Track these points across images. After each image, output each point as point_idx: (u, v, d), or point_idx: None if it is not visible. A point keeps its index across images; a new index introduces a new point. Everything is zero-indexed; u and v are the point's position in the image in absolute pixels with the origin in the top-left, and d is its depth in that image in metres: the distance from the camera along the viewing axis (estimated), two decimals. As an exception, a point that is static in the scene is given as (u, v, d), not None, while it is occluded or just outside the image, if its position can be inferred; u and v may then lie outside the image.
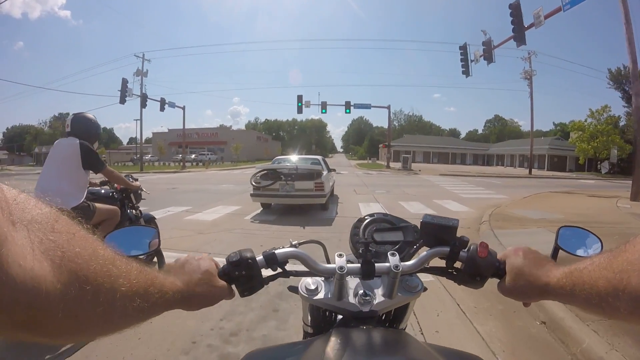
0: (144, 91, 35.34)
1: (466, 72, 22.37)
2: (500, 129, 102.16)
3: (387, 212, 1.17)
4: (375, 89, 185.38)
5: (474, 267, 0.85)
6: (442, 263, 0.91)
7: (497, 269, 0.84)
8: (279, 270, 0.91)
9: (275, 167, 9.40)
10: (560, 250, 0.91)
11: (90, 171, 3.47)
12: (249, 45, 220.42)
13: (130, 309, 0.50)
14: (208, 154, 61.21)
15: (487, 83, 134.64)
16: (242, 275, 0.82)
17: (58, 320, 0.38)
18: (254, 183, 8.93)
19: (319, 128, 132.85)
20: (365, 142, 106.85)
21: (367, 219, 1.07)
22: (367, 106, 37.04)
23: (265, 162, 53.08)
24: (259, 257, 0.87)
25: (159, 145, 62.47)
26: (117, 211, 3.72)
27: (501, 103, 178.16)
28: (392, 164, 39.24)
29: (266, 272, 0.88)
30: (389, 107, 39.14)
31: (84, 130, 3.55)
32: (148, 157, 64.37)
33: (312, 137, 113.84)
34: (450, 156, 70.24)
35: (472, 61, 22.12)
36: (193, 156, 60.24)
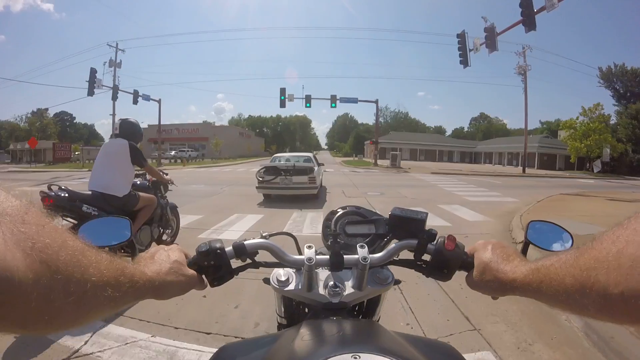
0: (117, 83, 33.02)
1: (464, 62, 20.56)
2: (486, 127, 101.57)
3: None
4: (361, 84, 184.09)
5: (441, 260, 0.86)
6: (411, 256, 0.91)
7: (465, 262, 0.85)
8: (249, 261, 0.92)
9: (276, 164, 11.27)
10: (530, 245, 0.91)
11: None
12: (232, 35, 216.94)
13: (101, 298, 0.51)
14: (188, 151, 59.19)
15: (475, 78, 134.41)
16: (211, 265, 0.84)
17: (30, 309, 0.39)
18: (259, 178, 10.70)
19: (304, 124, 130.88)
20: (350, 139, 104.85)
21: (339, 211, 1.08)
22: (353, 100, 34.99)
23: (247, 159, 50.17)
24: (228, 248, 0.88)
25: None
26: (155, 199, 4.45)
27: (486, 101, 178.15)
28: (379, 162, 37.40)
29: (237, 263, 0.91)
30: (376, 102, 37.07)
31: (130, 132, 4.25)
32: None
33: (297, 134, 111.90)
34: (437, 154, 68.93)
35: (471, 50, 20.31)
36: (173, 153, 58.01)
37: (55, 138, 69.10)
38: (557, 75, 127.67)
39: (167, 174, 4.83)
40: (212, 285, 0.87)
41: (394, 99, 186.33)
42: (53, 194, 3.68)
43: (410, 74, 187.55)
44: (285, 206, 9.79)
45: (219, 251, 0.84)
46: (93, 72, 29.16)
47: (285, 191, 10.65)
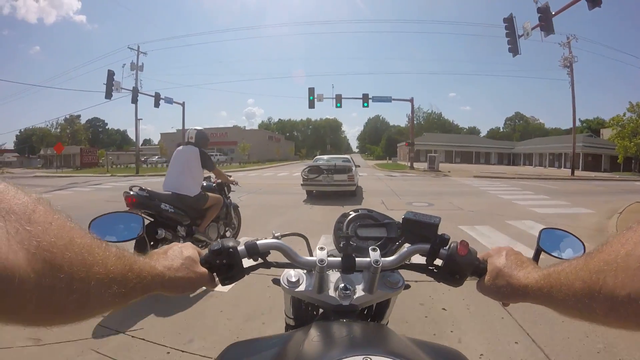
0: (139, 86, 32.19)
1: (514, 50, 18.32)
2: (523, 127, 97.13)
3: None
4: (392, 85, 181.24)
5: (453, 265, 0.86)
6: (423, 260, 0.91)
7: (477, 267, 0.85)
8: (260, 260, 0.92)
9: (319, 164, 12.47)
10: (543, 253, 0.92)
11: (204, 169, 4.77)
12: (257, 32, 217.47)
13: (106, 295, 0.51)
14: (216, 155, 58.72)
15: (509, 74, 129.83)
16: (223, 263, 0.84)
17: (32, 307, 0.40)
18: (304, 176, 12.02)
19: (334, 127, 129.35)
20: (382, 141, 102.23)
21: (351, 214, 1.09)
22: (387, 99, 32.92)
23: (276, 163, 48.97)
24: (241, 247, 0.88)
25: (160, 146, 59.73)
26: (221, 199, 4.98)
27: (520, 100, 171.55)
28: (415, 164, 35.22)
29: (248, 263, 0.90)
30: (411, 100, 34.87)
31: (202, 140, 4.85)
32: (155, 158, 62.97)
33: (327, 137, 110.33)
34: (473, 155, 65.93)
35: (520, 36, 18.07)
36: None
37: (86, 144, 70.40)
38: (596, 70, 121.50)
39: (230, 176, 5.28)
40: (223, 284, 0.87)
41: (426, 99, 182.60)
42: (135, 193, 4.02)
43: (443, 70, 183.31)
44: (327, 203, 10.85)
45: (231, 250, 0.85)
46: (111, 74, 28.25)
47: (327, 188, 11.99)
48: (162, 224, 4.22)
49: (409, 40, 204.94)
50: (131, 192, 4.05)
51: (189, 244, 0.85)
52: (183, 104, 36.30)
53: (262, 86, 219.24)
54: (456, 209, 10.26)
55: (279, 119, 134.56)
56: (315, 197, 12.30)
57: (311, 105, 30.90)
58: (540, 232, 0.97)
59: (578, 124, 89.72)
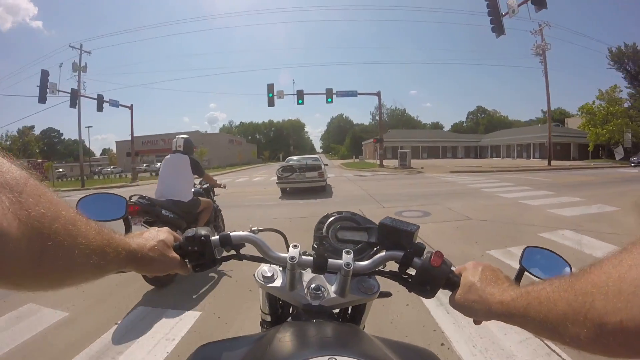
0: (83, 89, 28.79)
1: (498, 29, 16.33)
2: (487, 120, 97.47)
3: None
4: (356, 81, 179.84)
5: (425, 276, 0.83)
6: (397, 267, 0.90)
7: (450, 280, 0.82)
8: (233, 252, 0.93)
9: (292, 164, 14.14)
10: (525, 273, 0.88)
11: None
12: (220, 37, 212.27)
13: (87, 265, 0.55)
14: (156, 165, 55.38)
15: (472, 63, 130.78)
16: (195, 251, 0.86)
17: (22, 270, 0.44)
18: (278, 175, 13.71)
19: (297, 128, 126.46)
20: (347, 140, 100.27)
21: (333, 215, 1.09)
22: (352, 93, 30.64)
23: (237, 167, 46.42)
24: (214, 237, 0.89)
25: (109, 155, 55.69)
26: (211, 202, 5.24)
27: (480, 94, 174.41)
28: (384, 162, 33.24)
29: (223, 254, 0.92)
30: (378, 94, 32.92)
31: (189, 148, 5.05)
32: (110, 168, 59.30)
33: (291, 138, 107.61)
34: (440, 150, 65.35)
35: (505, 14, 16.02)
36: (144, 165, 55.14)
37: (39, 156, 65.38)
38: (558, 60, 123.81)
39: (216, 180, 5.71)
40: (195, 271, 0.89)
41: (389, 96, 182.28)
42: (136, 202, 4.16)
43: (408, 61, 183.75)
44: (300, 197, 12.29)
45: (203, 238, 0.86)
46: (45, 75, 24.73)
47: (300, 184, 13.45)
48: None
49: (371, 33, 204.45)
50: (133, 201, 4.20)
51: (166, 228, 0.86)
52: (131, 107, 32.95)
53: (222, 86, 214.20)
54: (462, 218, 7.70)
55: (241, 122, 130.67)
56: (289, 193, 13.52)
57: (270, 103, 28.35)
58: (524, 250, 0.93)
59: (540, 115, 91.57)
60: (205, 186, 5.50)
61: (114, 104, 30.50)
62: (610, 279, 0.43)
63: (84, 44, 30.60)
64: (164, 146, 67.26)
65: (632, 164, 27.98)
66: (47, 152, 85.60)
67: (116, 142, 78.18)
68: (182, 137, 5.06)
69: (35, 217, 0.45)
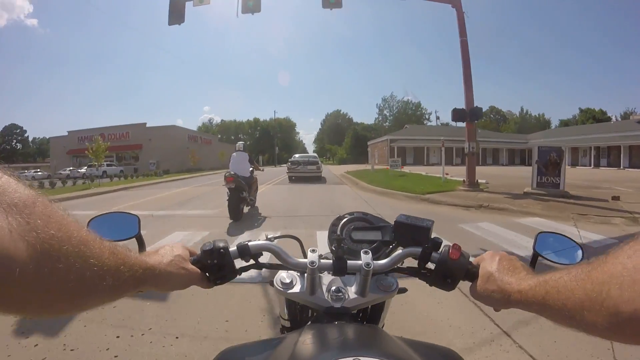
0: None
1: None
2: (522, 119, 79.79)
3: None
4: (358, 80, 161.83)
5: (445, 269, 0.85)
6: (416, 264, 0.91)
7: (469, 272, 0.83)
8: (252, 261, 0.94)
9: (298, 159, 21.75)
10: (539, 258, 0.89)
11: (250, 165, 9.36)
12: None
13: (100, 287, 0.53)
14: (114, 165, 44.47)
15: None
16: (214, 263, 0.86)
17: (30, 296, 0.42)
18: (288, 167, 21.57)
19: (286, 128, 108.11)
20: (346, 140, 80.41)
21: (346, 217, 1.10)
22: None
23: (193, 172, 38.30)
24: (232, 248, 0.90)
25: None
26: (257, 179, 9.83)
27: (490, 93, 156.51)
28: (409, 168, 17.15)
29: (241, 264, 0.93)
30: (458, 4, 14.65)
31: (246, 148, 9.65)
32: (31, 172, 44.66)
33: (277, 139, 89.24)
34: (481, 153, 46.73)
35: None
36: (68, 169, 40.48)
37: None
38: (591, 54, 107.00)
39: (259, 167, 10.68)
40: (215, 284, 0.89)
41: (399, 85, 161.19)
42: (233, 174, 8.27)
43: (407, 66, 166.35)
44: (303, 182, 19.06)
45: (222, 250, 0.87)
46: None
47: (303, 174, 20.54)
48: (240, 190, 8.22)
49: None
50: (231, 173, 8.31)
51: (179, 244, 0.87)
52: None
53: (210, 86, 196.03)
54: None
55: (222, 120, 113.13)
56: (295, 180, 20.10)
57: (175, 15, 10.55)
58: (537, 236, 0.92)
59: (578, 113, 75.46)
60: (251, 168, 9.32)
61: None
62: (625, 269, 0.44)
63: None
64: (105, 143, 49.75)
65: None
66: (8, 152, 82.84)
67: (50, 139, 61.26)
68: (241, 143, 9.69)
69: (44, 239, 0.43)
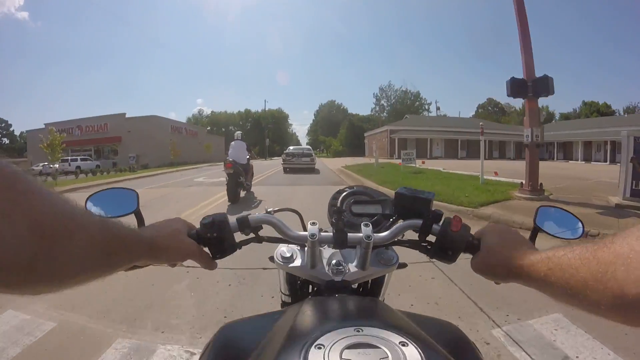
0: None
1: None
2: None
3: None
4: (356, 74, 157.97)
5: (446, 241, 0.84)
6: (416, 236, 0.90)
7: (470, 244, 0.83)
8: (252, 235, 0.92)
9: (292, 151, 22.73)
10: (539, 232, 0.89)
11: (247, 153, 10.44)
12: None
13: (89, 261, 0.51)
14: (87, 160, 39.47)
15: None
16: (214, 237, 0.84)
17: (15, 272, 0.41)
18: (283, 158, 22.31)
19: (279, 119, 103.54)
20: (341, 131, 76.65)
21: (346, 190, 1.10)
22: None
23: (175, 167, 34.74)
24: (232, 221, 0.88)
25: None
26: (253, 165, 10.94)
27: (487, 85, 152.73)
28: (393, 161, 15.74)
29: (240, 238, 0.91)
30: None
31: (243, 137, 10.67)
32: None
33: (269, 130, 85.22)
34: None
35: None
36: (40, 166, 34.46)
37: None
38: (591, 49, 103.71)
39: (254, 155, 16.15)
40: (215, 258, 0.86)
41: (399, 75, 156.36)
42: (231, 160, 9.13)
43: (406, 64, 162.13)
44: (297, 173, 20.14)
45: (221, 223, 0.85)
46: None
47: (298, 165, 21.43)
48: (238, 174, 9.07)
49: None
50: (230, 160, 9.11)
51: (178, 217, 0.85)
52: None
53: (207, 76, 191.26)
54: None
55: (212, 111, 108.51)
56: (290, 171, 21.03)
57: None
58: (537, 209, 0.92)
59: (580, 106, 72.44)
60: (247, 157, 10.23)
61: None
62: (632, 251, 0.43)
63: None
64: (82, 136, 46.32)
65: None
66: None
67: (27, 133, 56.52)
68: (239, 132, 10.77)
69: (27, 215, 0.42)
